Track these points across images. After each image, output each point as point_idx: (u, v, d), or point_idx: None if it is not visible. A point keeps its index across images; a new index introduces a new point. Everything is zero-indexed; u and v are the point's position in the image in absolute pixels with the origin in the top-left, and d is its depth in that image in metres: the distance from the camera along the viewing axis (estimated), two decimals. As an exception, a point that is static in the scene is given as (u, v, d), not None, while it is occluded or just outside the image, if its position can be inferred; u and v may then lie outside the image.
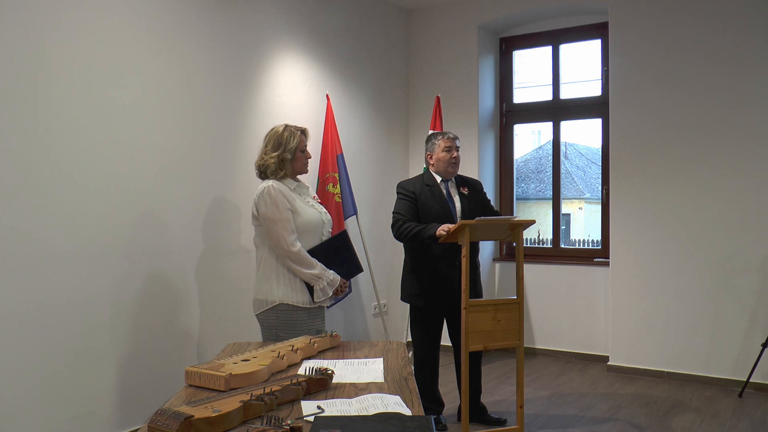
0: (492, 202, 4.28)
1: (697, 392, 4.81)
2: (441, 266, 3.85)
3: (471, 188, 4.05)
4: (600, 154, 6.01)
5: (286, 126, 3.25)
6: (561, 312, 5.89)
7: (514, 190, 6.45)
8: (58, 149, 3.30)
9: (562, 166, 6.31)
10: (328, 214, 3.35)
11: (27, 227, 3.19)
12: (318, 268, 3.13)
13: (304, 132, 3.30)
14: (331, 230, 3.35)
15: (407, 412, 1.73)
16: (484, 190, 4.19)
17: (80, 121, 3.40)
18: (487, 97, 6.24)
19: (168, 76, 3.88)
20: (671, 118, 5.16)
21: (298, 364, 2.35)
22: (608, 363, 5.44)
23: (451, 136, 3.96)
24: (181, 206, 3.96)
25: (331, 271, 3.18)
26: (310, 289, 3.15)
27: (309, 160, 3.32)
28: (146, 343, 3.74)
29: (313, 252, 3.16)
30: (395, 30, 6.25)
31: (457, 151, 3.96)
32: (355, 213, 5.21)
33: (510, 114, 6.37)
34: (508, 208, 6.33)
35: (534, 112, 6.33)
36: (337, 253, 3.26)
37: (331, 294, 3.18)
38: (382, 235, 5.81)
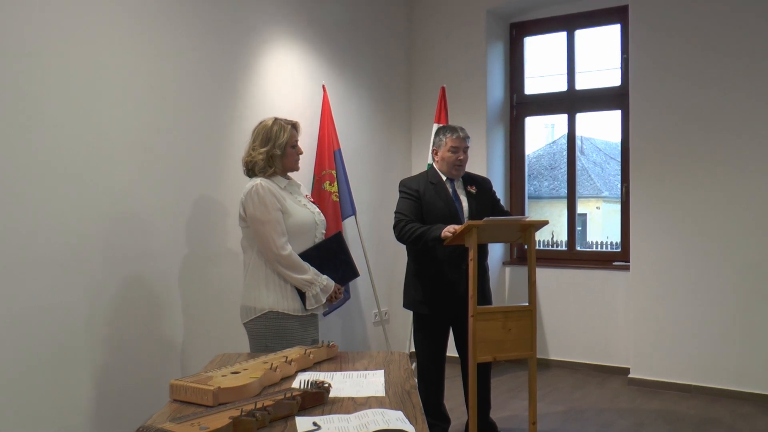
0: (502, 202, 4.28)
1: (729, 408, 4.79)
2: (446, 270, 3.85)
3: (479, 186, 4.05)
4: (619, 148, 6.00)
5: (276, 119, 3.25)
6: (577, 320, 5.89)
7: (526, 188, 6.45)
8: (29, 144, 3.30)
9: (577, 162, 6.32)
10: (321, 214, 3.35)
11: (-4, 229, 3.19)
12: (310, 272, 3.13)
13: (295, 126, 3.30)
14: (324, 232, 3.35)
15: (410, 428, 1.74)
16: (493, 188, 4.19)
17: (54, 114, 3.40)
18: (496, 88, 6.25)
19: (150, 65, 3.89)
20: (697, 110, 5.16)
21: (292, 377, 2.35)
22: (629, 376, 5.44)
23: (461, 135, 3.95)
24: (163, 206, 3.96)
25: (325, 276, 3.18)
26: (302, 295, 3.15)
27: (301, 156, 3.32)
28: (126, 355, 3.74)
29: (305, 255, 3.16)
30: (396, 15, 6.25)
31: (465, 152, 3.96)
32: (354, 213, 5.21)
33: (521, 106, 6.37)
34: (519, 208, 6.33)
35: (547, 104, 6.33)
36: (332, 256, 3.26)
37: (324, 301, 3.18)
38: (382, 236, 5.81)
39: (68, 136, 3.47)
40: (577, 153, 6.35)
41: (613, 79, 5.93)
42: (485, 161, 6.05)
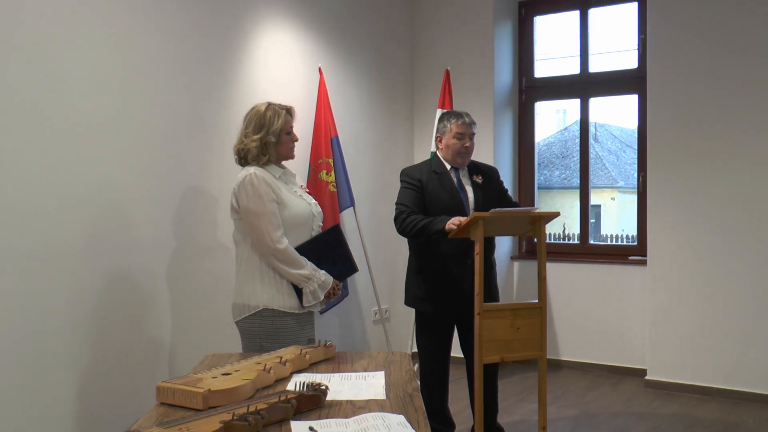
0: (510, 192, 4.28)
1: (754, 413, 4.80)
2: (451, 265, 3.86)
3: (485, 176, 4.04)
4: (636, 135, 6.00)
5: (269, 104, 3.25)
6: (590, 318, 5.90)
7: (536, 177, 6.44)
8: (1, 131, 3.29)
9: (591, 150, 6.31)
10: (318, 205, 3.36)
11: (-29, 221, 3.19)
12: (307, 267, 3.13)
13: (289, 111, 3.30)
14: (322, 224, 3.35)
15: (412, 433, 1.74)
16: (501, 177, 4.19)
17: (28, 99, 3.39)
18: (504, 71, 6.23)
19: (134, 46, 3.87)
20: (721, 94, 5.14)
21: (287, 379, 2.35)
22: (646, 377, 5.45)
23: (467, 120, 3.95)
24: (149, 197, 3.95)
25: (323, 272, 3.18)
26: (299, 292, 3.15)
27: (296, 143, 3.32)
28: (110, 355, 3.74)
29: (301, 249, 3.16)
30: (397, -8, 6.24)
31: (471, 139, 3.95)
32: (353, 204, 5.20)
33: (531, 90, 6.35)
34: (528, 199, 6.32)
35: (559, 88, 6.32)
36: (330, 250, 3.27)
37: (322, 297, 3.19)
38: (383, 229, 5.81)
39: (45, 121, 3.45)
40: (591, 140, 6.34)
41: (630, 61, 5.92)
42: (492, 149, 6.04)
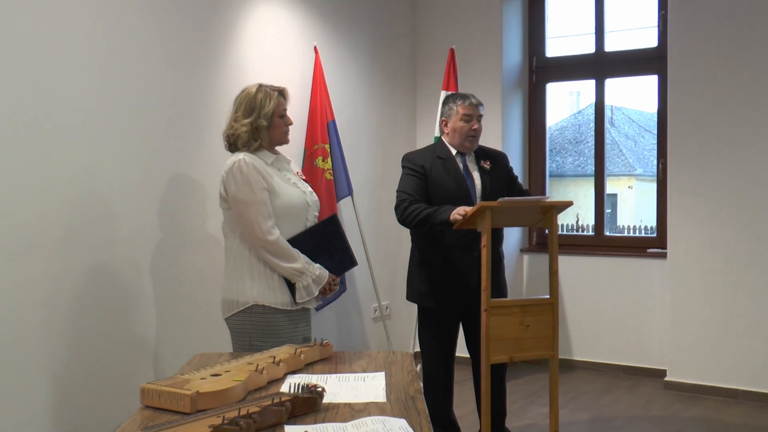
0: (519, 180, 4.28)
1: (780, 416, 4.82)
2: (456, 258, 3.86)
3: (494, 162, 4.04)
4: (655, 119, 5.98)
5: (261, 86, 3.25)
6: (605, 315, 5.90)
7: (547, 164, 6.44)
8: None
9: (607, 135, 6.30)
10: (314, 194, 3.36)
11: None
12: (301, 261, 3.14)
13: (282, 93, 3.30)
14: (318, 214, 3.35)
15: (415, 437, 1.74)
16: (510, 164, 4.19)
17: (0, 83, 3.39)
18: (514, 50, 6.22)
19: (113, 23, 3.86)
20: (747, 75, 5.13)
21: (280, 380, 2.36)
22: (665, 379, 5.46)
23: (473, 101, 3.95)
24: (132, 186, 3.95)
25: (318, 265, 3.19)
26: (292, 287, 3.16)
27: (290, 127, 3.32)
28: (90, 356, 3.74)
29: (295, 241, 3.16)
30: (399, -36, 6.22)
31: (479, 122, 3.95)
32: (351, 193, 5.20)
33: (542, 70, 6.34)
34: (539, 187, 6.32)
35: (572, 68, 6.30)
36: (326, 242, 3.27)
37: (317, 293, 3.20)
38: (383, 220, 5.81)
39: (18, 106, 3.45)
40: (606, 124, 6.33)
41: (649, 40, 5.91)
42: (500, 134, 6.03)
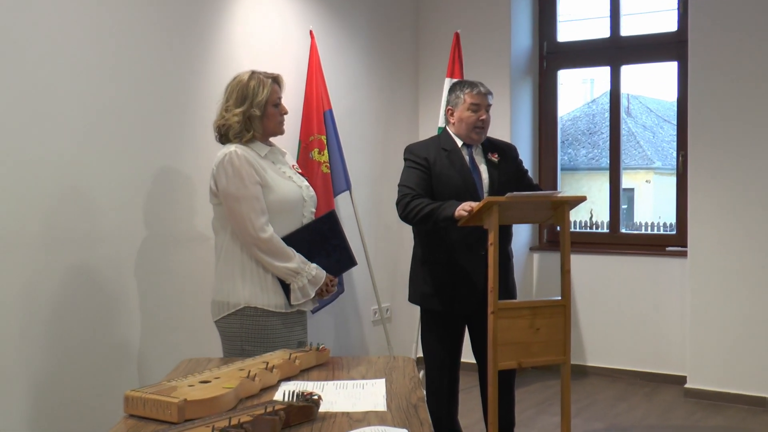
0: (529, 173, 4.28)
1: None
2: (462, 257, 3.86)
3: (502, 154, 4.04)
4: (675, 109, 5.99)
5: (253, 73, 3.25)
6: (621, 318, 5.91)
7: (559, 157, 6.44)
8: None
9: (623, 126, 6.30)
10: (311, 188, 3.36)
11: None
12: (295, 260, 3.14)
13: (276, 80, 3.30)
14: (314, 210, 3.35)
15: (418, 448, 1.75)
16: (520, 157, 4.19)
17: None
18: (523, 34, 6.21)
19: (95, 6, 3.86)
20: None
21: (274, 387, 2.36)
22: (685, 386, 5.46)
23: (482, 90, 3.95)
24: (115, 180, 3.95)
25: (314, 265, 3.20)
26: (286, 288, 3.16)
27: (285, 116, 3.32)
28: (70, 361, 3.75)
29: (290, 239, 3.17)
30: (400, -57, 6.22)
31: (488, 111, 3.96)
32: (349, 188, 5.20)
33: (553, 56, 6.34)
34: (549, 181, 6.32)
35: (585, 54, 6.30)
36: (323, 240, 3.27)
37: (313, 295, 3.21)
38: (384, 216, 5.81)
39: (-2, 93, 3.45)
40: (622, 114, 6.33)
41: (668, 23, 5.91)
42: (508, 125, 6.03)
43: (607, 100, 6.55)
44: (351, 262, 3.41)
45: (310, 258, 3.19)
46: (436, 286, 3.93)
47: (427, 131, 6.13)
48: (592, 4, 6.42)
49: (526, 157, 6.13)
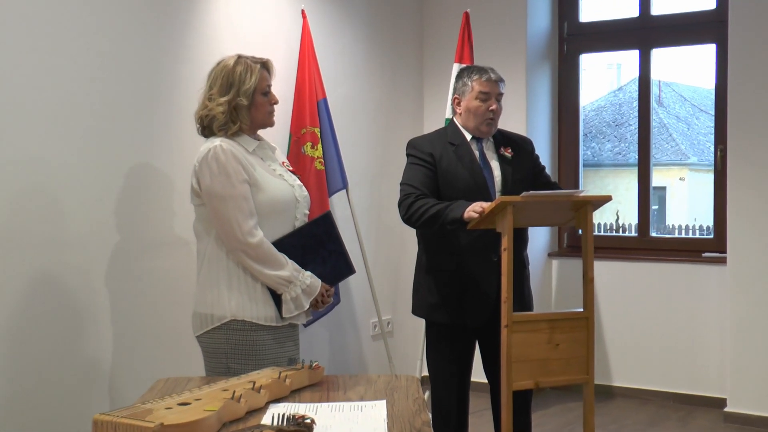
0: (547, 170, 4.29)
1: None
2: (472, 265, 3.87)
3: (516, 149, 4.05)
4: (713, 98, 5.99)
5: (239, 57, 3.25)
6: (651, 332, 5.91)
7: (581, 152, 6.45)
8: None
9: (653, 117, 6.31)
10: (304, 188, 3.37)
11: None
12: (288, 267, 3.14)
13: (266, 65, 3.30)
14: (308, 212, 3.36)
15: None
16: (537, 151, 4.20)
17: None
18: (541, 14, 6.22)
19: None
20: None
21: (262, 410, 2.36)
22: (725, 409, 5.46)
23: (492, 77, 3.95)
24: (84, 177, 3.96)
25: (308, 273, 3.20)
26: (277, 299, 3.17)
27: (275, 106, 3.33)
28: (32, 381, 3.75)
29: (281, 244, 3.17)
30: None
31: (499, 101, 3.96)
32: (345, 186, 5.21)
33: (574, 39, 6.35)
34: (570, 179, 6.33)
35: (611, 36, 6.31)
36: (318, 245, 3.28)
37: (307, 306, 3.20)
38: (384, 218, 5.82)
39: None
40: (653, 104, 6.34)
41: (706, 1, 5.91)
42: (524, 115, 6.04)
43: (635, 87, 6.56)
44: (349, 269, 3.41)
45: (304, 265, 3.20)
46: (443, 296, 3.94)
47: (432, 123, 6.14)
48: (619, -21, 6.44)
49: (544, 151, 6.15)
